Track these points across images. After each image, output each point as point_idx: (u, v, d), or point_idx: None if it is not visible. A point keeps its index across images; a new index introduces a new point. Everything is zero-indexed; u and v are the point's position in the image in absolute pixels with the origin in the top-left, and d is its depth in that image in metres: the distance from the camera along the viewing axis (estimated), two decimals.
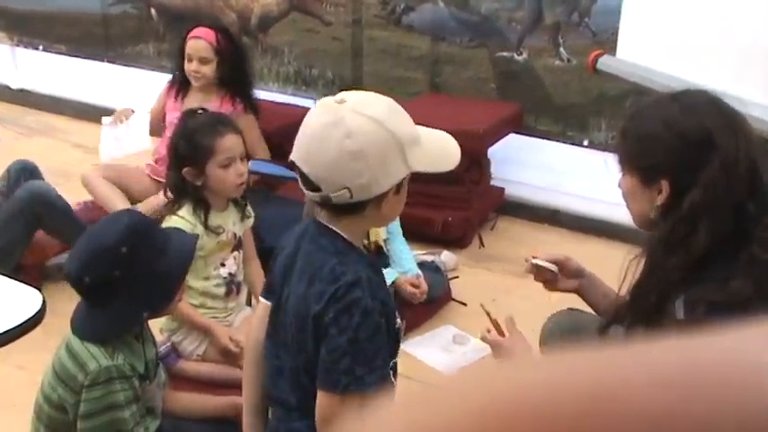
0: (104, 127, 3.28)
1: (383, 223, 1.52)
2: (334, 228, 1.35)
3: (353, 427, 0.31)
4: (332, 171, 1.27)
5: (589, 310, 1.69)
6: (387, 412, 0.32)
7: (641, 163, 1.36)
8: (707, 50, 2.68)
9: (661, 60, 2.59)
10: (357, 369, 1.27)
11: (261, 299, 1.53)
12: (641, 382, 0.30)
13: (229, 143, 2.11)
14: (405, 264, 2.50)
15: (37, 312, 1.63)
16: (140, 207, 3.07)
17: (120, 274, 1.55)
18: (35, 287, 1.87)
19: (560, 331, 1.68)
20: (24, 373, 2.30)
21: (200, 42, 3.05)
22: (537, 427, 0.29)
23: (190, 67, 3.06)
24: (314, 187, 1.30)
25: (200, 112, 2.22)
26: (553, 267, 1.62)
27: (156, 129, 3.30)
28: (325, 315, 1.28)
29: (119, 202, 3.13)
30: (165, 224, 2.16)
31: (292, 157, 1.32)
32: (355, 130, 1.25)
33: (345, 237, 1.35)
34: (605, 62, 2.72)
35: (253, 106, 3.11)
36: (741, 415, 0.29)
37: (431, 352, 2.40)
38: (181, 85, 3.18)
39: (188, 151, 2.09)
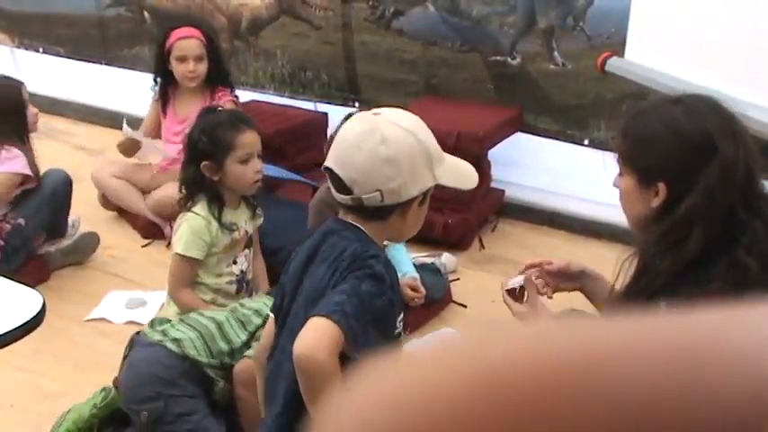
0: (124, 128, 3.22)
1: (402, 236, 1.55)
2: (357, 225, 1.42)
3: (339, 398, 0.31)
4: (366, 174, 1.35)
5: (592, 309, 1.69)
6: (371, 380, 0.32)
7: (640, 164, 1.36)
8: (715, 53, 2.69)
9: (669, 63, 2.59)
10: (347, 306, 1.30)
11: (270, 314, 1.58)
12: (633, 355, 0.30)
13: (249, 139, 2.14)
14: (402, 267, 2.49)
15: (37, 314, 1.63)
16: (151, 198, 3.10)
17: None
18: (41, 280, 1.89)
19: None
20: (24, 374, 2.30)
21: (192, 42, 3.04)
22: (524, 394, 0.29)
23: (185, 68, 3.04)
24: (347, 190, 1.38)
25: (219, 109, 2.26)
26: (519, 282, 1.58)
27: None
28: (342, 280, 1.35)
29: (132, 197, 3.17)
30: (179, 221, 2.19)
31: (327, 163, 1.41)
32: (390, 137, 1.35)
33: (368, 234, 1.42)
34: (614, 64, 2.73)
35: (236, 95, 3.16)
36: (730, 392, 0.29)
37: None
38: (163, 92, 3.17)
39: (208, 146, 2.12)
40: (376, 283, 1.34)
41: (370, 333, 1.34)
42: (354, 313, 1.30)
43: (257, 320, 1.83)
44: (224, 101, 2.96)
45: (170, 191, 2.85)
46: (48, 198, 2.79)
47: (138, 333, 1.86)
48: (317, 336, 1.27)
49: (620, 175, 1.40)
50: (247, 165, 2.15)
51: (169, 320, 1.89)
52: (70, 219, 3.01)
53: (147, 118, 3.30)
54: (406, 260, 2.54)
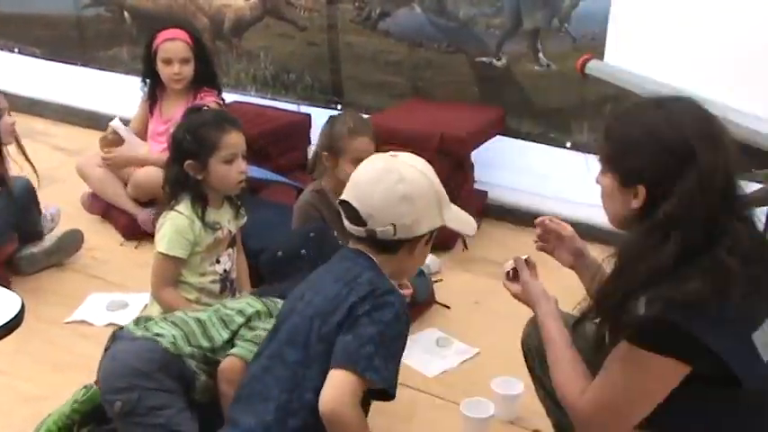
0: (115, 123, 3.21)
1: (403, 274, 1.64)
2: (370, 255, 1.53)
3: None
4: (382, 209, 1.47)
5: (568, 310, 1.70)
6: None
7: (620, 165, 1.38)
8: (694, 56, 2.72)
9: (648, 65, 2.62)
10: (376, 360, 1.39)
11: None
12: None
13: (233, 140, 2.15)
14: None
15: (15, 316, 1.61)
16: (132, 180, 3.08)
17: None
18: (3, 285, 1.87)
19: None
20: (2, 377, 2.27)
21: (177, 44, 3.04)
22: None
23: (171, 70, 3.04)
24: (361, 222, 1.49)
25: (205, 108, 2.25)
26: (511, 265, 1.70)
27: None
28: (360, 307, 1.42)
29: (116, 189, 3.15)
30: (162, 219, 2.18)
31: (344, 196, 1.52)
32: (407, 177, 1.48)
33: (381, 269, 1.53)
34: (594, 66, 2.75)
35: (222, 98, 3.14)
36: None
37: (414, 355, 2.39)
38: (151, 93, 3.16)
39: (192, 145, 2.13)
40: (398, 325, 1.44)
41: (398, 364, 1.47)
42: (383, 362, 1.40)
43: (240, 320, 1.83)
44: (207, 101, 2.96)
45: (152, 171, 2.85)
46: (7, 202, 2.72)
47: (120, 328, 1.85)
48: (343, 392, 1.37)
49: (602, 173, 1.43)
50: (231, 165, 2.15)
51: (152, 318, 1.88)
52: (48, 211, 2.99)
53: (135, 119, 3.29)
54: None
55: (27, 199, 2.82)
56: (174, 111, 3.09)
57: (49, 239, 2.88)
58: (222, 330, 1.82)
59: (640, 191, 1.34)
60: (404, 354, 2.31)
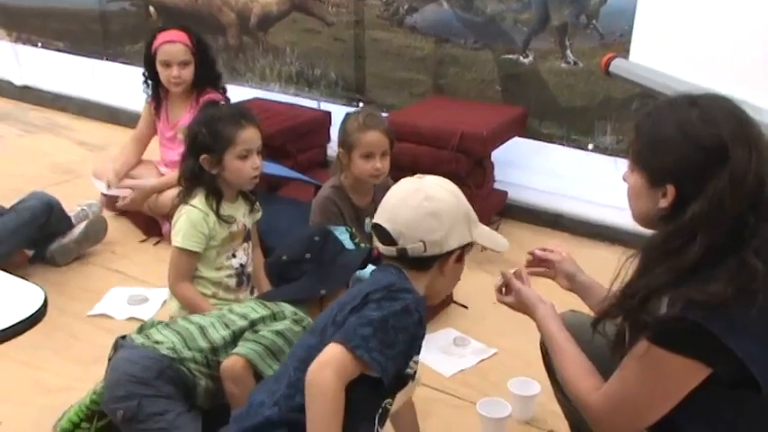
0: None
1: (438, 293, 1.63)
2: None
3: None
4: (411, 227, 1.50)
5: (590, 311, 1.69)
6: None
7: (651, 164, 1.35)
8: (719, 55, 2.68)
9: (673, 64, 2.58)
10: (372, 341, 1.38)
11: None
12: None
13: (249, 135, 2.15)
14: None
15: (39, 309, 1.63)
16: (157, 199, 3.10)
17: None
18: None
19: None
20: (25, 369, 2.31)
21: (176, 46, 3.00)
22: None
23: (169, 73, 3.01)
24: (392, 242, 1.52)
25: (222, 103, 2.26)
26: (501, 280, 1.74)
27: (136, 150, 3.25)
28: (374, 295, 1.44)
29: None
30: (177, 213, 2.20)
31: (376, 219, 1.55)
32: (434, 195, 1.52)
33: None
34: (618, 65, 2.72)
35: (227, 98, 3.11)
36: None
37: (432, 354, 2.39)
38: (155, 95, 3.14)
39: (208, 139, 2.13)
40: (406, 317, 1.43)
41: (397, 360, 1.43)
42: (378, 346, 1.39)
43: (242, 323, 1.84)
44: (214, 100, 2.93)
45: (169, 192, 2.85)
46: (26, 221, 2.75)
47: (123, 337, 1.87)
48: (328, 362, 1.38)
49: (631, 171, 1.40)
50: (246, 160, 2.15)
51: (155, 325, 1.89)
52: (84, 206, 3.03)
53: (142, 122, 3.27)
54: None
55: (43, 217, 2.80)
56: (179, 115, 3.10)
57: (77, 229, 2.92)
58: (222, 330, 1.83)
59: (670, 190, 1.32)
60: (421, 353, 2.34)
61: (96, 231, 2.98)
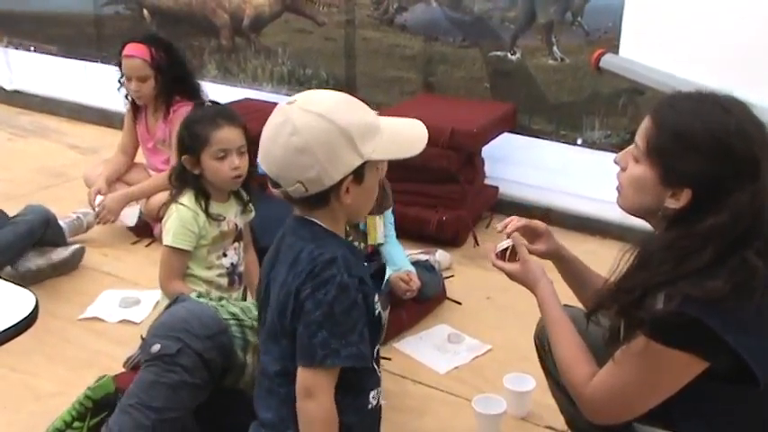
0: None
1: (357, 216, 1.51)
2: (311, 218, 1.43)
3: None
4: (283, 167, 1.36)
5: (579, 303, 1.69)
6: None
7: (671, 162, 1.29)
8: (708, 49, 2.69)
9: (663, 59, 2.59)
10: (332, 342, 1.34)
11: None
12: None
13: (225, 135, 2.14)
14: (397, 261, 2.51)
15: (30, 314, 1.62)
16: (148, 202, 3.09)
17: None
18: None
19: None
20: (17, 374, 2.29)
21: (134, 61, 2.99)
22: None
23: (130, 86, 3.02)
24: (275, 184, 1.39)
25: (208, 103, 2.27)
26: (508, 243, 1.63)
27: (124, 161, 3.22)
28: (303, 291, 1.36)
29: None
30: (167, 211, 2.20)
31: (258, 159, 1.42)
32: (300, 126, 1.34)
33: (323, 225, 1.42)
34: (608, 60, 2.73)
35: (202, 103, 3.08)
36: None
37: (426, 351, 2.40)
38: (133, 103, 3.13)
39: (187, 140, 2.15)
40: (345, 295, 1.35)
41: (364, 334, 1.38)
42: (339, 342, 1.34)
43: (242, 316, 1.83)
44: (181, 113, 2.85)
45: (160, 195, 2.84)
46: (23, 235, 2.72)
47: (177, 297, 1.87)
48: (307, 389, 1.36)
49: (637, 160, 1.34)
50: (223, 161, 2.14)
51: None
52: (79, 213, 3.02)
53: (125, 132, 3.25)
54: (401, 256, 2.54)
55: (40, 232, 2.77)
56: (156, 125, 3.11)
57: (58, 254, 2.82)
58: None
59: (685, 194, 1.28)
60: (415, 350, 2.33)
61: (76, 260, 2.88)
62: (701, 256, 1.25)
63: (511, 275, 1.62)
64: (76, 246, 2.89)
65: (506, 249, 1.62)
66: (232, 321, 1.73)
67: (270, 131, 1.38)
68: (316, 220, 1.42)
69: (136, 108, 3.16)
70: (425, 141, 1.44)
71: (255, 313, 1.78)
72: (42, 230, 2.80)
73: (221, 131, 2.13)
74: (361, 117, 1.38)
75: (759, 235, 1.26)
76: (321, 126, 1.34)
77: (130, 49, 3.02)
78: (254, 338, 1.73)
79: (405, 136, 1.45)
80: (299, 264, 1.38)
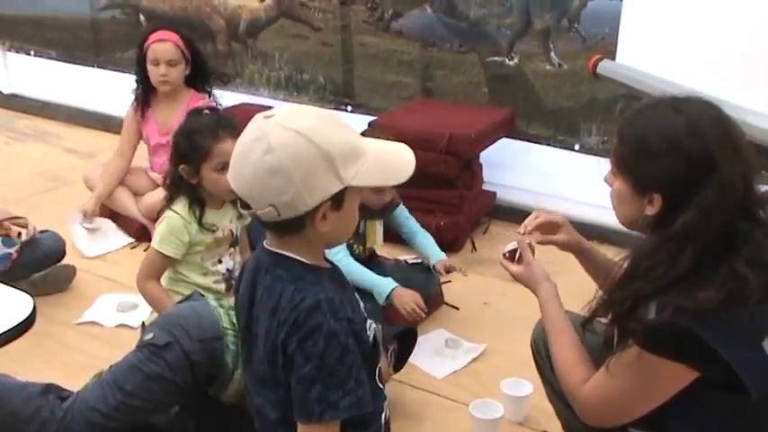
0: (75, 225, 3.09)
1: (336, 242, 1.40)
2: (285, 252, 1.32)
3: None
4: (254, 188, 1.24)
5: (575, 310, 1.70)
6: None
7: (636, 172, 1.34)
8: (705, 56, 2.70)
9: (661, 65, 2.60)
10: (330, 395, 1.26)
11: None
12: None
13: (227, 148, 2.11)
14: (436, 253, 2.57)
15: (27, 317, 1.62)
16: (142, 202, 3.09)
17: None
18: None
19: None
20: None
21: (166, 45, 3.01)
22: None
23: (157, 71, 3.01)
24: (245, 204, 1.27)
25: (206, 112, 2.25)
26: (513, 246, 1.64)
27: (122, 165, 3.20)
28: (289, 344, 1.26)
29: (124, 200, 3.15)
30: (160, 218, 2.19)
31: (228, 175, 1.30)
32: (276, 144, 1.21)
33: (300, 258, 1.32)
34: (605, 66, 2.74)
35: (218, 104, 3.07)
36: None
37: (423, 356, 2.40)
38: (144, 97, 3.12)
39: (186, 150, 2.13)
40: (335, 343, 1.25)
41: (361, 378, 1.29)
42: (338, 393, 1.25)
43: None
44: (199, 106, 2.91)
45: (157, 195, 2.84)
46: (38, 260, 2.68)
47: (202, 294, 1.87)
48: None
49: (614, 175, 1.39)
50: (223, 173, 2.09)
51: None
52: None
53: (124, 132, 3.20)
54: (435, 246, 2.60)
55: (55, 259, 2.75)
56: (171, 120, 3.07)
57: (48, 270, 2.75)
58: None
59: (656, 199, 1.31)
60: (413, 355, 2.34)
61: (58, 277, 2.80)
62: (682, 257, 1.26)
63: (515, 276, 1.63)
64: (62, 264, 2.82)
65: (514, 251, 1.64)
66: (230, 332, 1.71)
67: (242, 147, 1.26)
68: (291, 255, 1.31)
69: (146, 104, 3.13)
70: (412, 169, 1.33)
71: None
72: (54, 261, 2.76)
73: (223, 144, 2.09)
74: (344, 138, 1.26)
75: (747, 240, 1.26)
76: (300, 145, 1.21)
77: (160, 34, 3.04)
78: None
79: (390, 161, 1.32)
80: (280, 311, 1.27)
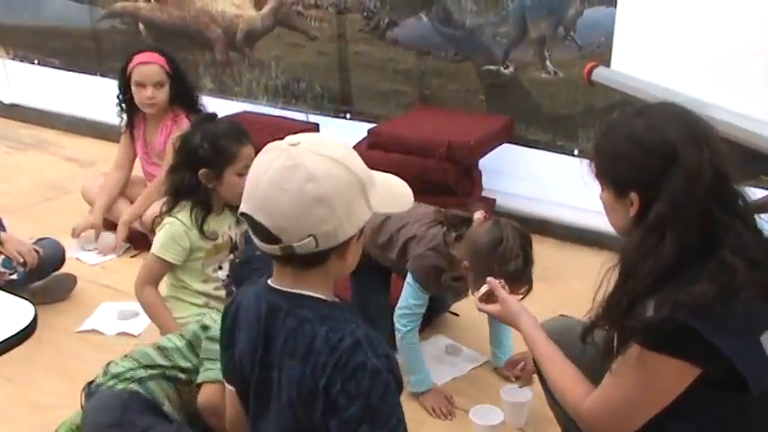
0: (81, 253, 3.11)
1: (343, 275, 1.34)
2: (304, 291, 1.27)
3: None
4: (294, 219, 1.18)
5: (579, 316, 1.71)
6: None
7: (612, 177, 1.41)
8: (699, 62, 2.71)
9: (656, 72, 2.62)
10: None
11: (226, 385, 1.45)
12: None
13: (249, 152, 2.16)
14: (506, 351, 2.30)
15: (28, 325, 1.63)
16: (143, 215, 3.09)
17: None
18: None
19: (551, 338, 1.69)
20: (14, 386, 2.29)
21: (151, 67, 2.99)
22: None
23: (144, 93, 2.99)
24: (273, 240, 1.20)
25: (218, 117, 2.28)
26: (486, 288, 1.74)
27: (121, 177, 3.21)
28: (332, 387, 1.21)
29: (122, 211, 3.15)
30: (161, 224, 2.21)
31: (243, 208, 1.23)
32: (317, 172, 1.18)
33: (320, 296, 1.27)
34: (600, 73, 2.75)
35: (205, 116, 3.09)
36: None
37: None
38: (129, 120, 3.12)
39: (210, 154, 2.14)
40: (379, 381, 1.21)
41: (401, 415, 1.26)
42: (380, 425, 1.21)
43: (194, 327, 1.87)
44: (184, 125, 2.88)
45: (154, 208, 2.84)
46: (37, 269, 2.67)
47: (90, 383, 1.86)
48: None
49: (601, 188, 1.46)
50: (243, 177, 2.15)
51: (114, 360, 1.90)
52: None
53: (121, 150, 3.23)
54: (508, 345, 2.33)
55: (55, 266, 2.76)
56: (156, 139, 3.10)
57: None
58: (190, 355, 1.86)
59: (634, 198, 1.37)
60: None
61: (58, 286, 2.79)
62: (663, 248, 1.29)
63: (495, 316, 1.73)
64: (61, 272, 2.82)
65: (488, 292, 1.73)
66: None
67: (273, 177, 1.18)
68: (310, 293, 1.26)
69: (131, 125, 3.14)
70: (412, 197, 1.32)
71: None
72: (54, 269, 2.77)
73: (247, 148, 2.15)
74: (363, 165, 1.25)
75: (728, 229, 1.30)
76: (340, 173, 1.19)
77: (146, 56, 3.02)
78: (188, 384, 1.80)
79: (395, 189, 1.32)
80: (315, 355, 1.21)
